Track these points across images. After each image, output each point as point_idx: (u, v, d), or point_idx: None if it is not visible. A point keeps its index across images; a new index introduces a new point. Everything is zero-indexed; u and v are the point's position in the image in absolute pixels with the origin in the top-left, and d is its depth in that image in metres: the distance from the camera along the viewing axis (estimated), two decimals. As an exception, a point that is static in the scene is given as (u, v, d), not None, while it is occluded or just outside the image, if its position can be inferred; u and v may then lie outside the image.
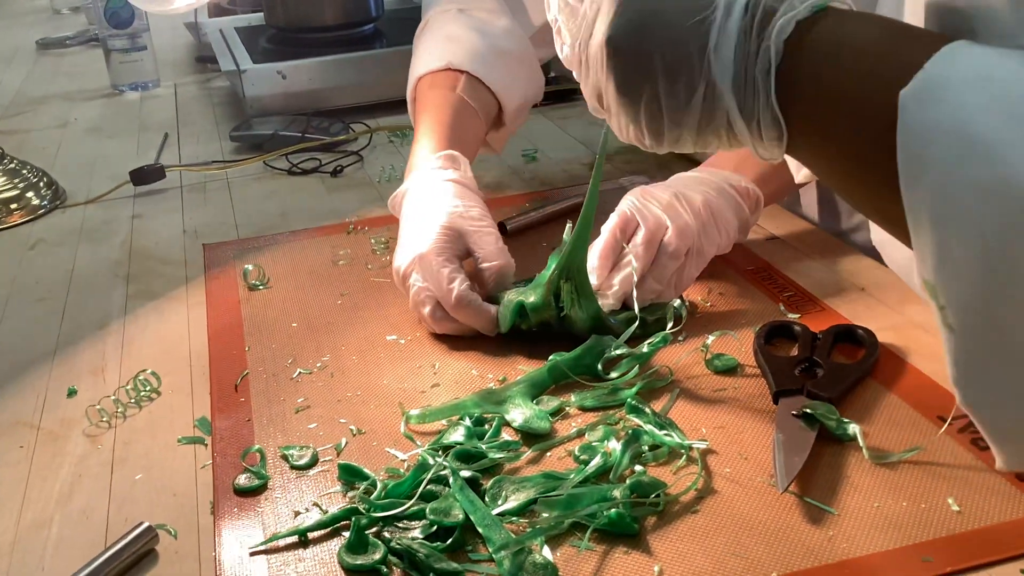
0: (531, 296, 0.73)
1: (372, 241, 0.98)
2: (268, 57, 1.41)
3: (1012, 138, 0.39)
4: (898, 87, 0.43)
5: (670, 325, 0.71)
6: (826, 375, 0.68)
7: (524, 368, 0.72)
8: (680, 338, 0.73)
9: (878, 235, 0.67)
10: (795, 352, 0.71)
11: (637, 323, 0.72)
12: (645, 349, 0.70)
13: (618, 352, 0.70)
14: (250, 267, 0.91)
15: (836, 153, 0.50)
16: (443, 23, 1.01)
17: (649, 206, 0.78)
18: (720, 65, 0.50)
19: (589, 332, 0.71)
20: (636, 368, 0.68)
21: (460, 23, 1.01)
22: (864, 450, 0.59)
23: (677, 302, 0.76)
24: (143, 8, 1.03)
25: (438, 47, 0.98)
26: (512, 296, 0.75)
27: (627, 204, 0.79)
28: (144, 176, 1.16)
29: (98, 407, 0.70)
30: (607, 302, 0.74)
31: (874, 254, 0.79)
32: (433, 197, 0.81)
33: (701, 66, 0.51)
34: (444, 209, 0.79)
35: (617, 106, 0.55)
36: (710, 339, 0.72)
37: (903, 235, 0.46)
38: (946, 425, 0.61)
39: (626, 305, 0.75)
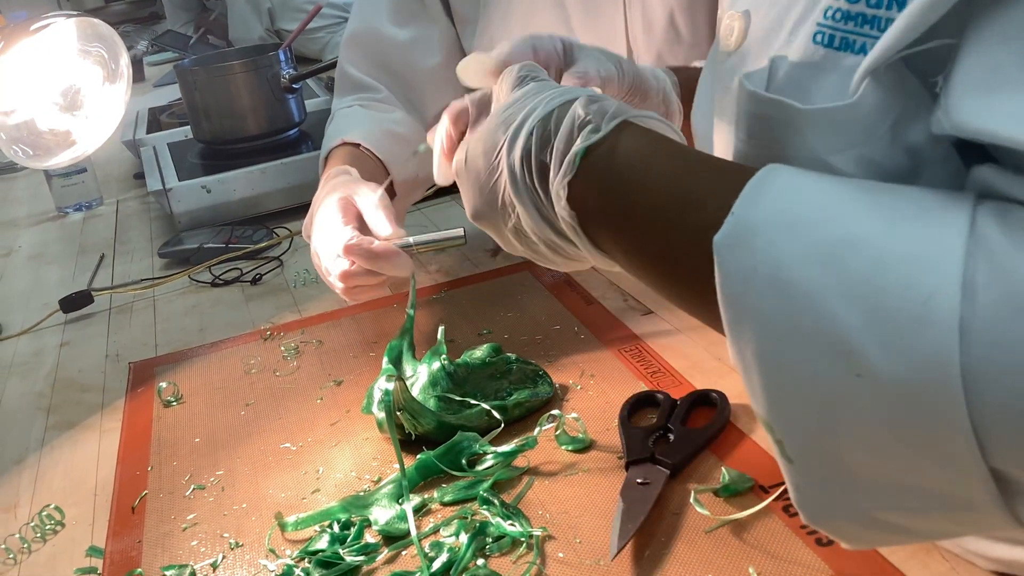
0: (381, 412, 0.79)
1: (282, 348, 1.03)
2: (194, 173, 1.48)
3: (828, 287, 0.40)
4: (711, 233, 0.44)
5: (537, 430, 0.77)
6: (675, 441, 0.73)
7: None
8: (543, 426, 0.78)
9: None
10: (655, 420, 0.76)
11: (500, 428, 0.77)
12: (511, 447, 0.75)
13: (483, 450, 0.75)
14: (164, 384, 0.96)
15: (662, 286, 0.53)
16: (343, 114, 1.18)
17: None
18: (538, 230, 0.57)
19: (448, 437, 0.76)
20: (499, 462, 0.74)
21: (356, 111, 1.18)
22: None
23: (548, 388, 0.82)
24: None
25: (336, 130, 1.14)
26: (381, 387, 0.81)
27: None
28: (73, 303, 1.21)
29: (3, 545, 0.75)
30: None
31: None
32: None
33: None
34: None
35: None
36: (566, 419, 0.77)
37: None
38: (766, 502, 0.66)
39: (487, 396, 0.81)
